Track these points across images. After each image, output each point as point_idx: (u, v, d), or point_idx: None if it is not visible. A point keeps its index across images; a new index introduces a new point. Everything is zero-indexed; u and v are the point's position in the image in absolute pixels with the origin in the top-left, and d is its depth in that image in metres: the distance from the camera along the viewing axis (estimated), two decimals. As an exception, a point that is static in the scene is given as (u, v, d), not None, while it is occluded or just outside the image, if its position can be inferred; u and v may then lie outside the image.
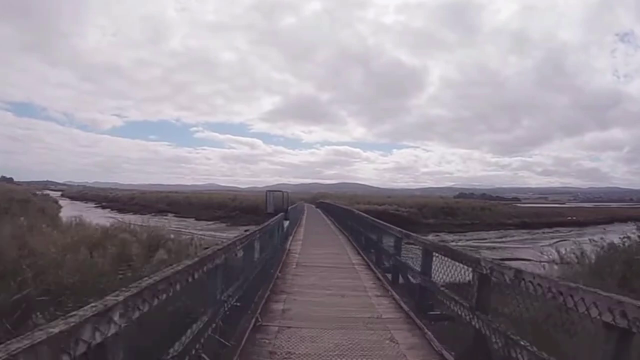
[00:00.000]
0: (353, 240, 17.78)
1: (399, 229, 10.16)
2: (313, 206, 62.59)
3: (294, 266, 11.74)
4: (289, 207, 22.69)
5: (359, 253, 14.70)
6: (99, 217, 45.25)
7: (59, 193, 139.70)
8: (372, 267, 11.78)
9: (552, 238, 46.85)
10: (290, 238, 17.87)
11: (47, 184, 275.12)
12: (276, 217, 14.19)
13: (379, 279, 10.20)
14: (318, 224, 28.91)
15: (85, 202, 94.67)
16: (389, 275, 10.22)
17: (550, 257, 13.36)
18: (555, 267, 12.24)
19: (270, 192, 23.60)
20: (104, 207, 78.22)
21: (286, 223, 18.05)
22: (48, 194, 62.63)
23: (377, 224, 13.07)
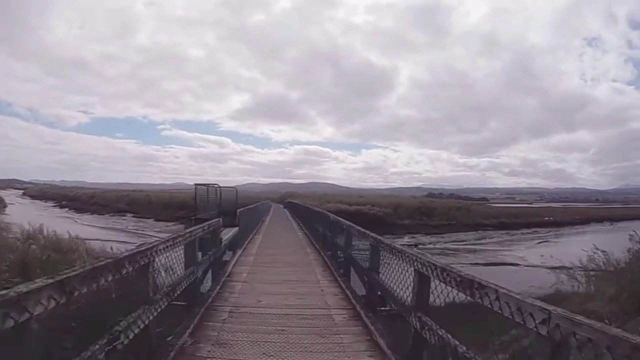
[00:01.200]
0: (326, 255, 12.62)
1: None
2: (281, 206, 58.88)
3: (223, 316, 6.43)
4: (240, 210, 17.94)
5: (334, 277, 9.60)
6: (50, 218, 41.09)
7: (21, 192, 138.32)
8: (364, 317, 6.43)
9: (532, 239, 45.38)
10: (240, 253, 12.97)
11: (11, 182, 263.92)
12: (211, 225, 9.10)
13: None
14: (282, 230, 24.01)
15: (45, 201, 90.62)
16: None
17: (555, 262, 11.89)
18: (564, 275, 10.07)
19: (204, 187, 18.96)
20: (62, 207, 74.13)
21: (230, 233, 13.46)
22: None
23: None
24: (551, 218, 64.53)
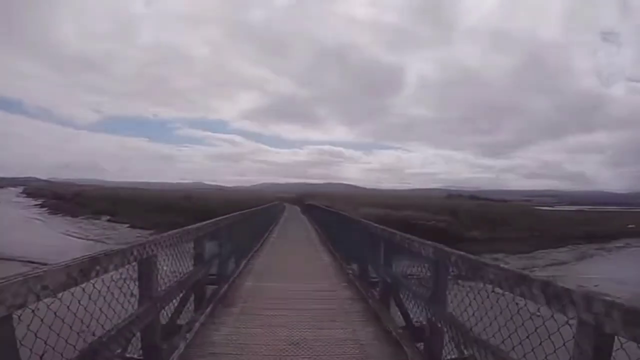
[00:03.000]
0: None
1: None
2: (298, 209, 45.92)
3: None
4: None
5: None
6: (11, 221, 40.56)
7: (21, 189, 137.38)
8: None
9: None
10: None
11: (28, 180, 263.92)
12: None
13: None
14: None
15: (36, 200, 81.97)
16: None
17: None
18: None
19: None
20: (42, 206, 65.09)
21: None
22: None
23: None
24: (633, 226, 50.12)
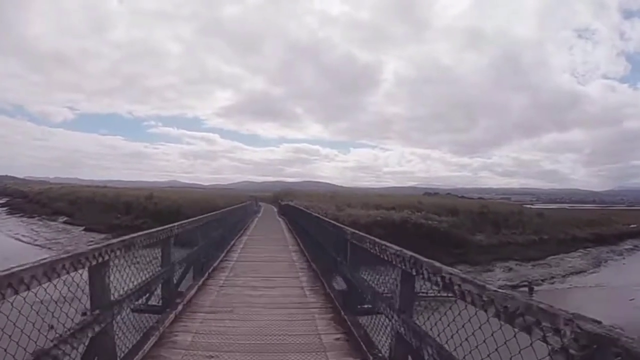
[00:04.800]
0: None
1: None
2: (275, 209, 41.32)
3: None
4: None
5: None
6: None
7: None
8: None
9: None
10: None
11: (3, 179, 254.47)
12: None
13: None
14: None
15: (0, 198, 76.73)
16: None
17: None
18: None
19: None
20: (3, 205, 61.50)
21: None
22: None
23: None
24: (635, 226, 46.40)
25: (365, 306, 5.73)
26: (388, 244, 4.34)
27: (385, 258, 4.32)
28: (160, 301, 6.30)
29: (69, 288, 3.39)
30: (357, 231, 6.28)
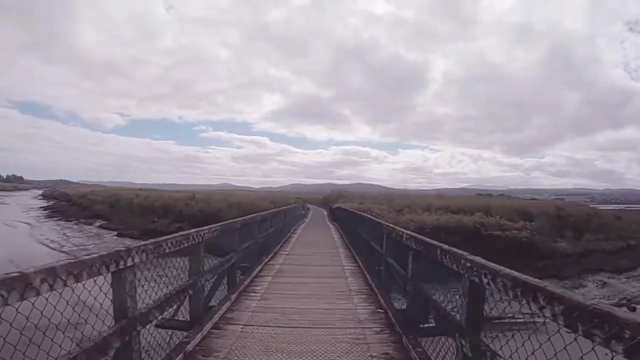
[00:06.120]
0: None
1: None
2: (325, 213, 39.68)
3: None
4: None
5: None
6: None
7: (41, 191, 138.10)
8: None
9: None
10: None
11: (59, 183, 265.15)
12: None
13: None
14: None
15: (48, 202, 79.95)
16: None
17: None
18: None
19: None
20: (46, 208, 60.74)
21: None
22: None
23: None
24: None
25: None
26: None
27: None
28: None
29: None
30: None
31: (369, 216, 13.61)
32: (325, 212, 40.83)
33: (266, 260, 10.67)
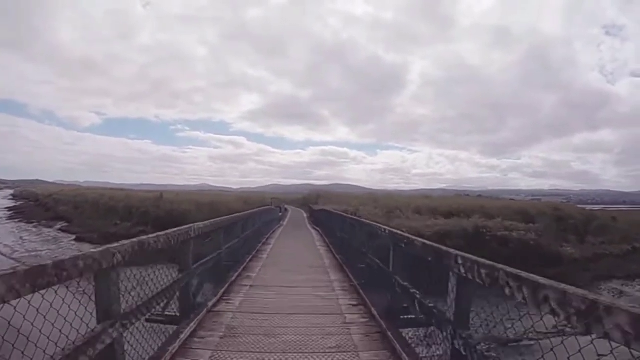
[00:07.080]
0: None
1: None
2: (304, 215, 37.54)
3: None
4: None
5: None
6: None
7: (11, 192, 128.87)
8: None
9: None
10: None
11: (34, 183, 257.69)
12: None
13: None
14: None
15: (16, 202, 76.61)
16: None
17: None
18: None
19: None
20: (10, 209, 57.03)
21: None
22: None
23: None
24: None
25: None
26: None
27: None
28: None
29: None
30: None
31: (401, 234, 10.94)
32: (305, 215, 38.01)
33: (209, 306, 6.00)
